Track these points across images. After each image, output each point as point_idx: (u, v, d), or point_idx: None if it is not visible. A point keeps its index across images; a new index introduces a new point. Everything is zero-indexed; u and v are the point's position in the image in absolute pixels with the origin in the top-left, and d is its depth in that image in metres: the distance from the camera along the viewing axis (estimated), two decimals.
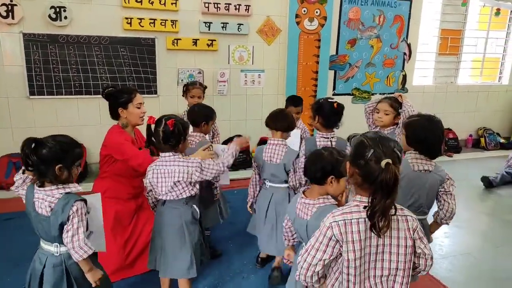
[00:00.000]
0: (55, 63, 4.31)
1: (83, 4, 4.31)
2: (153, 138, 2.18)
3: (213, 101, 4.86)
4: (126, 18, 4.46)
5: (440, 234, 3.45)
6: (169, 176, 2.11)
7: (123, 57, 4.56)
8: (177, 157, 2.13)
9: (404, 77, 6.10)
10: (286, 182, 2.53)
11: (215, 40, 4.90)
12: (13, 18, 4.08)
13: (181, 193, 2.15)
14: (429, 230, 2.17)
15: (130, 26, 4.49)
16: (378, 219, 1.29)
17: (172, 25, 4.66)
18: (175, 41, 4.72)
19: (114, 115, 2.60)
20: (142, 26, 4.54)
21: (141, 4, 4.48)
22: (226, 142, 4.08)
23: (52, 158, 1.64)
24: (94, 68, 4.47)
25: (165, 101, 4.84)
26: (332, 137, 2.54)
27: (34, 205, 1.70)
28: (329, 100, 2.53)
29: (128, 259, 2.61)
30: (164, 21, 4.61)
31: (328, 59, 5.49)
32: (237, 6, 4.89)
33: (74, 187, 1.74)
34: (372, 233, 1.34)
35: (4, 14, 4.04)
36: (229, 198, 3.19)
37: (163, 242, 2.20)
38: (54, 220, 1.66)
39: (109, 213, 2.46)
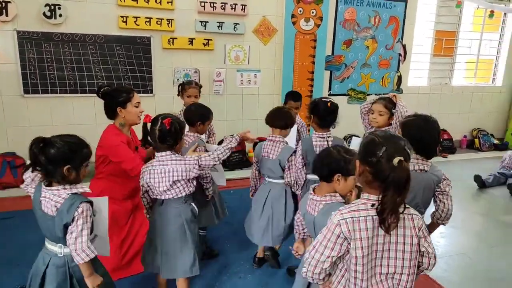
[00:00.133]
0: (50, 61, 4.28)
1: (78, 2, 4.28)
2: (149, 137, 2.16)
3: (209, 100, 4.84)
4: (122, 17, 4.44)
5: (436, 234, 3.47)
6: (167, 176, 2.10)
7: (119, 55, 4.53)
8: (173, 156, 2.12)
9: (399, 78, 6.13)
10: (282, 178, 2.59)
11: (211, 40, 4.89)
12: (7, 15, 4.04)
13: (180, 191, 2.14)
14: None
15: (126, 24, 4.47)
16: (388, 216, 1.29)
17: (168, 24, 4.64)
18: (171, 40, 4.71)
19: (111, 114, 2.57)
20: (138, 25, 4.52)
21: (137, 3, 4.45)
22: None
23: (60, 158, 1.63)
24: (89, 66, 4.44)
25: (161, 100, 4.82)
26: (328, 137, 2.57)
27: (40, 204, 1.68)
28: (324, 99, 2.58)
29: (125, 259, 2.60)
30: (160, 20, 4.59)
31: (324, 59, 5.50)
32: (233, 6, 4.88)
33: (82, 188, 1.72)
34: (379, 231, 1.34)
35: None
36: (225, 198, 3.18)
37: (164, 243, 2.18)
38: (58, 221, 1.64)
39: None
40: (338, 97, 5.61)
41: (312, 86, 5.48)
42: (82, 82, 4.45)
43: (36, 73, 4.25)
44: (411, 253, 1.39)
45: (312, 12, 5.25)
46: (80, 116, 4.49)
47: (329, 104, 2.51)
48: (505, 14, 6.75)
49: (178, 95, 3.45)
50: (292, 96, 3.46)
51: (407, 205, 1.40)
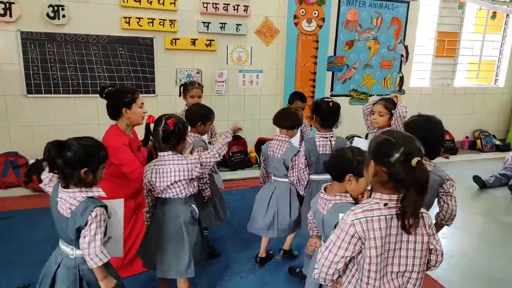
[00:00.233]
0: (53, 62, 4.30)
1: (82, 3, 4.31)
2: (151, 138, 2.18)
3: (211, 101, 4.86)
4: (125, 18, 4.46)
5: None
6: (168, 176, 2.11)
7: (121, 56, 4.56)
8: (175, 156, 2.14)
9: (401, 78, 6.13)
10: (287, 176, 2.68)
11: (213, 40, 4.91)
12: (10, 16, 4.06)
13: (181, 191, 2.16)
14: None
15: (129, 25, 4.49)
16: (409, 217, 1.30)
17: (170, 24, 4.66)
18: (174, 41, 4.73)
19: (114, 115, 2.58)
20: (141, 26, 4.54)
21: (140, 4, 4.47)
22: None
23: (76, 161, 1.63)
24: (92, 67, 4.46)
25: (163, 101, 4.84)
26: (331, 137, 2.57)
27: (56, 204, 1.69)
28: (326, 99, 2.59)
29: (127, 258, 2.60)
30: (162, 21, 4.61)
31: (326, 60, 5.51)
32: (236, 7, 4.89)
33: (97, 192, 1.72)
34: (392, 230, 1.35)
35: (2, 12, 4.03)
36: (227, 198, 3.20)
37: (162, 241, 2.19)
38: (72, 223, 1.64)
39: None
40: (340, 98, 5.57)
41: (314, 87, 5.48)
42: (85, 83, 4.47)
43: (39, 74, 4.27)
44: (422, 251, 1.41)
45: (314, 13, 5.26)
46: (82, 116, 4.51)
47: (331, 104, 2.52)
48: (507, 15, 6.75)
49: (179, 95, 3.46)
50: (300, 96, 3.53)
51: None
